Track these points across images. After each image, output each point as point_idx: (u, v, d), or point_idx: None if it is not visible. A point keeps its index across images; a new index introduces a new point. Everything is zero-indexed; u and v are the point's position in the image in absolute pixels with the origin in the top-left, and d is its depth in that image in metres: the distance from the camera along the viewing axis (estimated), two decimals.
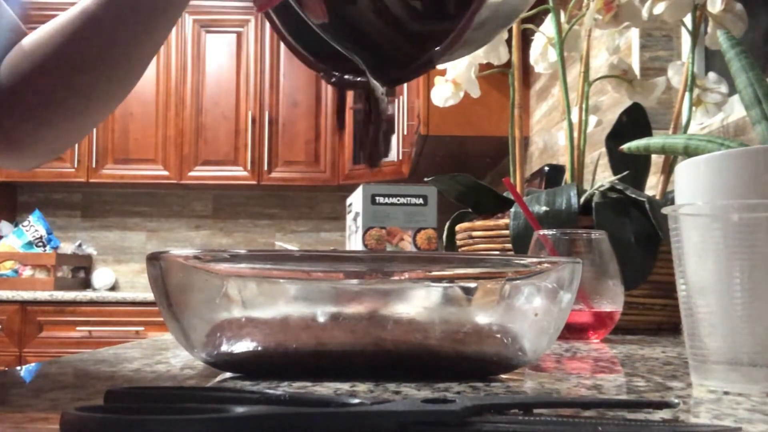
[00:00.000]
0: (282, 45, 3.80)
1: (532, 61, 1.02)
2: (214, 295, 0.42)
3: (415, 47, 0.53)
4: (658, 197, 0.92)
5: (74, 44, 0.59)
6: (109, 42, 0.59)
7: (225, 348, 0.43)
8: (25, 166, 0.66)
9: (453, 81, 1.03)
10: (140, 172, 3.53)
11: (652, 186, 0.98)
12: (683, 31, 1.42)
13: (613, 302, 0.72)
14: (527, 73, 2.38)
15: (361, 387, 0.40)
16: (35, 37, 0.61)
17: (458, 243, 1.00)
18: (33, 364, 0.52)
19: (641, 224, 0.83)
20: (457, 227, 1.00)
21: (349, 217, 1.14)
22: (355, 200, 1.09)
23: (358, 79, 0.52)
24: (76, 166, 3.52)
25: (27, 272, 3.34)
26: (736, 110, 1.06)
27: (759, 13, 1.18)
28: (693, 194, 0.50)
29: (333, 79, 0.54)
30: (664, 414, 0.33)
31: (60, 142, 0.64)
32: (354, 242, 1.09)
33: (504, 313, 0.42)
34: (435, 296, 0.42)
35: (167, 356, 0.56)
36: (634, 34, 1.50)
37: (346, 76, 0.53)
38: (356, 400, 0.29)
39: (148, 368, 0.49)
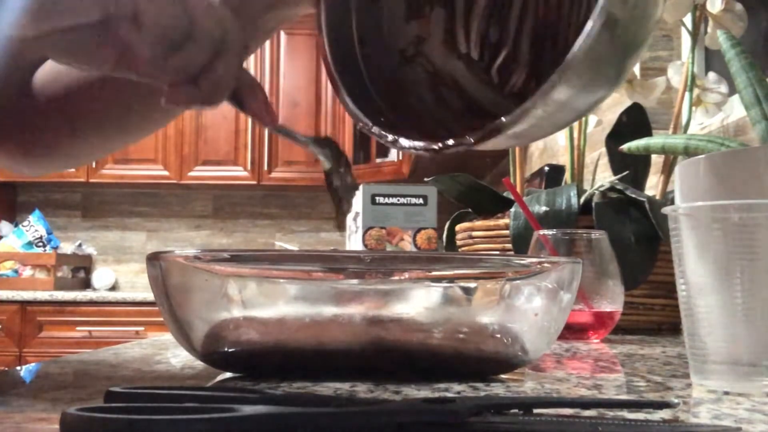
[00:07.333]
0: (282, 45, 3.75)
1: None
2: (214, 295, 0.42)
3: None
4: (658, 197, 0.92)
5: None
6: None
7: (225, 348, 0.43)
8: (33, 172, 0.66)
9: None
10: (140, 172, 3.53)
11: (652, 186, 0.98)
12: (683, 31, 1.42)
13: (613, 302, 0.72)
14: None
15: (361, 387, 0.40)
16: None
17: (458, 243, 1.00)
18: (33, 364, 0.52)
19: (641, 224, 0.83)
20: (457, 227, 1.00)
21: (349, 217, 1.14)
22: (355, 200, 1.09)
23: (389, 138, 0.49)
24: None
25: (27, 272, 3.33)
26: (736, 110, 1.05)
27: (759, 13, 1.18)
28: (693, 194, 0.50)
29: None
30: (664, 414, 0.33)
31: (82, 157, 0.65)
32: (354, 242, 1.09)
33: (504, 313, 0.42)
34: (435, 296, 0.42)
35: (167, 356, 0.56)
36: None
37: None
38: (356, 400, 0.29)
39: (148, 368, 0.49)
